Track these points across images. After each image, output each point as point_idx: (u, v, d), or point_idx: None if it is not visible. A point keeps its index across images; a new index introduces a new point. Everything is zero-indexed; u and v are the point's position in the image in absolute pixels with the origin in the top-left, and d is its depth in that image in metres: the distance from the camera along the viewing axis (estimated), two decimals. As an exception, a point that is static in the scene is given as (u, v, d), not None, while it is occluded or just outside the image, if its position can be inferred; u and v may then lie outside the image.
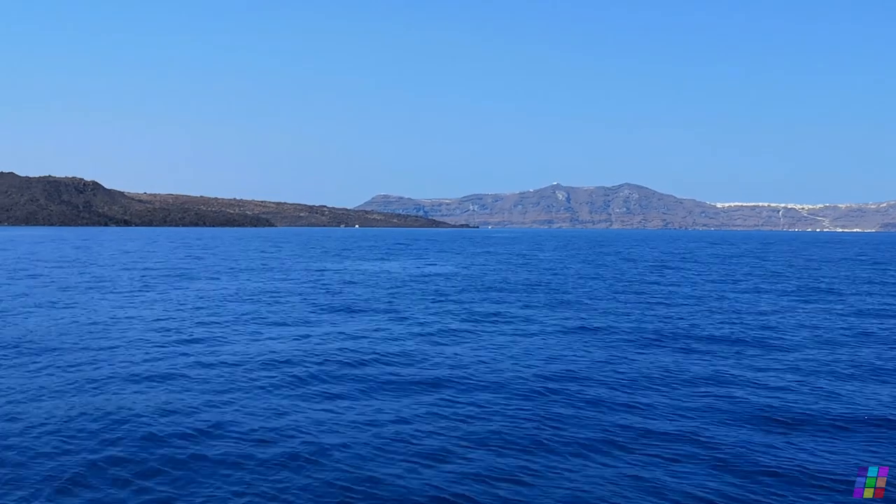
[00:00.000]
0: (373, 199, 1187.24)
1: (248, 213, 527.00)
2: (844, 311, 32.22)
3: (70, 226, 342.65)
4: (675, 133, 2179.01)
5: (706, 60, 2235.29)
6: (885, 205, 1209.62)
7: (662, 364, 19.54)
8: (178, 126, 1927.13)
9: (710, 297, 38.65)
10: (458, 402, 15.21)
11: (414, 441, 12.65)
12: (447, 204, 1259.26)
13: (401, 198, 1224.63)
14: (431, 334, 24.47)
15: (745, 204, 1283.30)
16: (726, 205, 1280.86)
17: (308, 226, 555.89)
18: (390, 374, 17.98)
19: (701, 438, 13.02)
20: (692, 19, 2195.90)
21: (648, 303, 35.04)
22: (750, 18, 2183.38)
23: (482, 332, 25.35)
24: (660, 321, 28.24)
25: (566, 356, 20.54)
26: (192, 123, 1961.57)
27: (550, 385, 16.81)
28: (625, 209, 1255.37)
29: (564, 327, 26.40)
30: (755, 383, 17.30)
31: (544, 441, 12.76)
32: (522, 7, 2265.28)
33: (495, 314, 30.09)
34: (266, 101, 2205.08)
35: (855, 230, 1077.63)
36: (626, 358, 20.23)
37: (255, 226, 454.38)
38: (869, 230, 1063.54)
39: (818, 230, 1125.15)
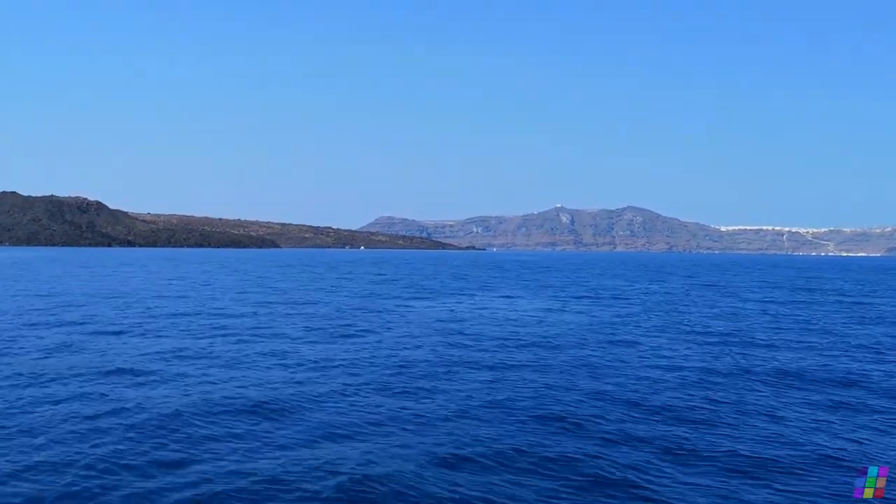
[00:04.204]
0: (376, 220, 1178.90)
1: (252, 234, 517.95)
2: None
3: (73, 246, 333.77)
4: (678, 155, 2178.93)
5: (707, 83, 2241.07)
6: (889, 229, 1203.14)
7: None
8: (181, 146, 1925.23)
9: None
10: None
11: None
12: (450, 226, 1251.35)
13: (404, 219, 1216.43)
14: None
15: (748, 227, 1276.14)
16: (730, 228, 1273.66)
17: (313, 247, 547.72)
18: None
19: None
20: (692, 42, 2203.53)
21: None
22: (751, 42, 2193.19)
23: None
24: None
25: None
26: (196, 144, 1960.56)
27: None
28: (629, 232, 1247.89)
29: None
30: None
31: None
32: (526, 28, 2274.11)
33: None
34: (270, 121, 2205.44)
35: (860, 254, 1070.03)
36: None
37: (261, 247, 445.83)
38: (874, 254, 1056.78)
39: (823, 254, 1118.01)
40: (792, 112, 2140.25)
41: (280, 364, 23.68)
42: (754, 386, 21.25)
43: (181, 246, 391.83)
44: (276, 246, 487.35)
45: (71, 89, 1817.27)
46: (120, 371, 21.39)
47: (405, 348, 27.85)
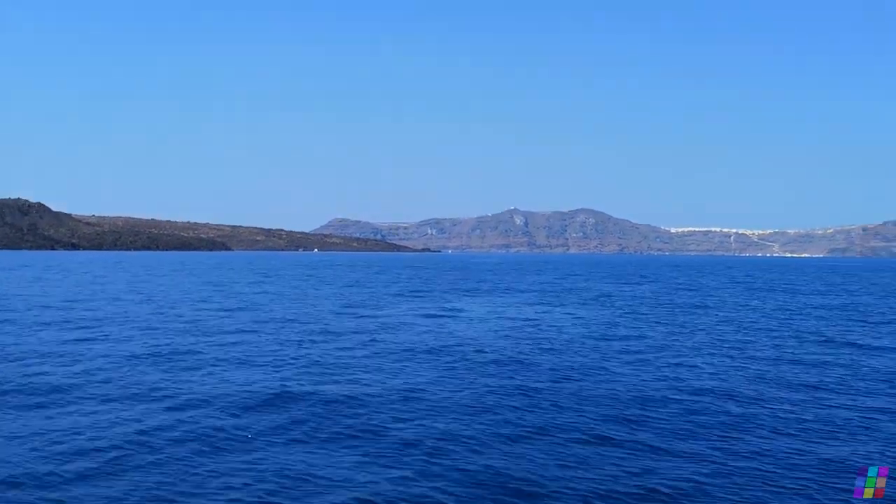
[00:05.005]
0: (329, 222, 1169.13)
1: (202, 236, 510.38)
2: None
3: (14, 249, 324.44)
4: (630, 158, 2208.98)
5: (657, 85, 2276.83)
6: (831, 230, 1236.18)
7: None
8: (126, 146, 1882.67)
9: None
10: None
11: None
12: (405, 228, 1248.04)
13: (358, 221, 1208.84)
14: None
15: (697, 229, 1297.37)
16: (680, 230, 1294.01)
17: (265, 249, 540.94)
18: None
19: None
20: (644, 41, 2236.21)
21: None
22: (699, 42, 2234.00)
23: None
24: None
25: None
26: (142, 144, 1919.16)
27: None
28: (581, 234, 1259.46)
29: None
30: None
31: None
32: (476, 30, 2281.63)
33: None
34: (218, 121, 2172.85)
35: (804, 255, 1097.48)
36: None
37: (211, 249, 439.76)
38: (817, 255, 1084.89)
39: (768, 255, 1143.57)
40: (738, 115, 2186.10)
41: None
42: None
43: (127, 249, 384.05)
44: (227, 248, 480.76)
45: (7, 88, 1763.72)
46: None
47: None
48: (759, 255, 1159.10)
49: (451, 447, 14.49)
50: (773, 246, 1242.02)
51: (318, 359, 25.45)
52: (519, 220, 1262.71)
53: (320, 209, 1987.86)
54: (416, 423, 16.36)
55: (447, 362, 25.07)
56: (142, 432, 15.04)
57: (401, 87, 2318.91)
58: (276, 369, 23.06)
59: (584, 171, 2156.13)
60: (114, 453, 13.63)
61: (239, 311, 43.96)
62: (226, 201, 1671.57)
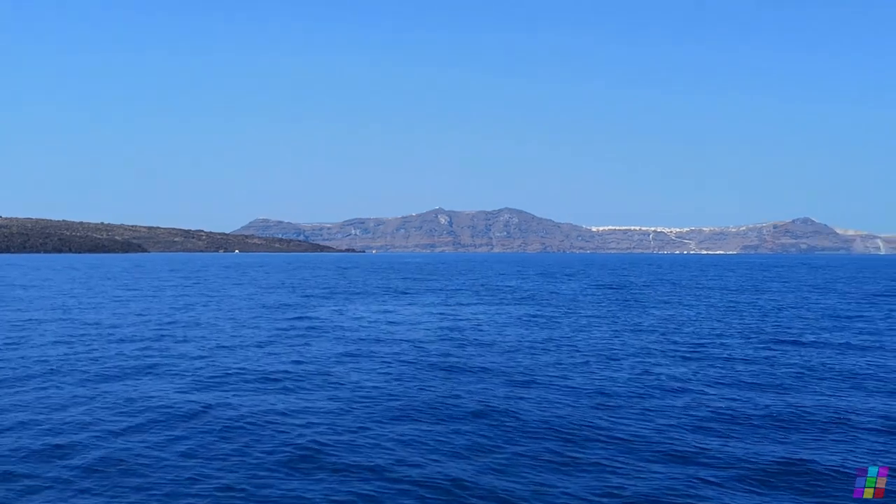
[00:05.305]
0: (251, 223, 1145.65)
1: (117, 238, 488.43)
2: None
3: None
4: (552, 158, 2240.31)
5: (575, 85, 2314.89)
6: (744, 228, 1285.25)
7: None
8: (36, 144, 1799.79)
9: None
10: None
11: None
12: (328, 228, 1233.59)
13: (280, 222, 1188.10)
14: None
15: (618, 227, 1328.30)
16: (601, 228, 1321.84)
17: (184, 251, 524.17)
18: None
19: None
20: (562, 41, 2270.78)
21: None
22: (618, 41, 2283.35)
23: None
24: None
25: None
26: (52, 142, 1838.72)
27: None
28: (505, 233, 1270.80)
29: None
30: None
31: None
32: (404, 30, 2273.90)
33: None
34: (134, 120, 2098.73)
35: (718, 252, 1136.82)
36: None
37: (127, 252, 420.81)
38: (730, 252, 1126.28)
39: (685, 252, 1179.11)
40: (656, 116, 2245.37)
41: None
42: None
43: (37, 251, 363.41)
44: (144, 250, 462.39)
45: None
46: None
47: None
48: (677, 252, 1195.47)
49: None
50: (690, 243, 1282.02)
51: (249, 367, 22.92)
52: (444, 220, 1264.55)
53: (241, 209, 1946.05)
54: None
55: (384, 364, 24.30)
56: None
57: (321, 86, 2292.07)
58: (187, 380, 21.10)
59: (508, 170, 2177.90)
60: None
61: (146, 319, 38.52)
62: (143, 202, 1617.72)
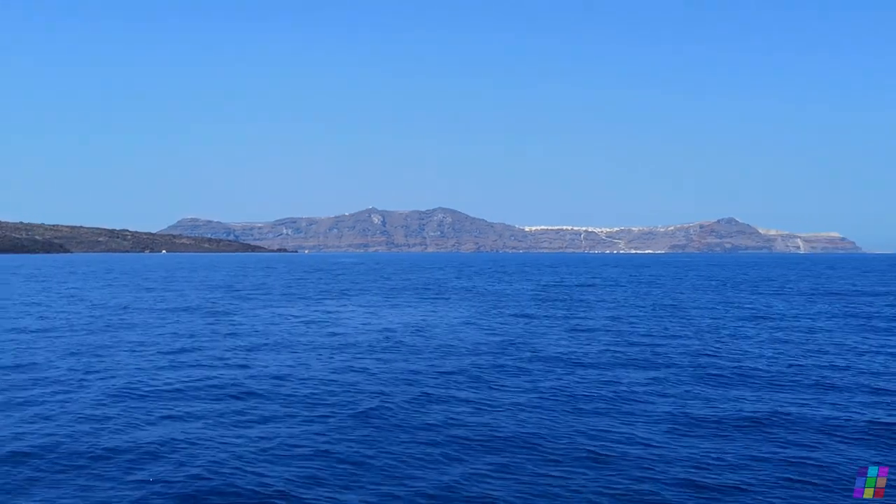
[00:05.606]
0: (179, 222, 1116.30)
1: (38, 237, 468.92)
2: None
3: None
4: (485, 158, 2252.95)
5: (505, 86, 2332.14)
6: (672, 228, 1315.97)
7: None
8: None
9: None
10: None
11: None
12: (259, 228, 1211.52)
13: (209, 221, 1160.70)
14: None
15: (550, 227, 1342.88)
16: (533, 228, 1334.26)
17: (108, 251, 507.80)
18: None
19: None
20: (494, 41, 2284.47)
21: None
22: (552, 40, 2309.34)
23: None
24: None
25: None
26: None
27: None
28: (439, 233, 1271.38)
29: None
30: None
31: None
32: (324, 26, 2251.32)
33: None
34: (54, 112, 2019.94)
35: (647, 252, 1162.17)
36: None
37: (48, 252, 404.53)
38: (659, 251, 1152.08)
39: (615, 252, 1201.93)
40: (586, 115, 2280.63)
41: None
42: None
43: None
44: (66, 251, 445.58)
45: None
46: None
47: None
48: (607, 251, 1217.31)
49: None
50: (620, 243, 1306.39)
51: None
52: (377, 220, 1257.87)
53: (169, 208, 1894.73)
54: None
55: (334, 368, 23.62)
56: None
57: (251, 83, 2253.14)
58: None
59: (441, 170, 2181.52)
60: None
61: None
62: (64, 200, 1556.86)
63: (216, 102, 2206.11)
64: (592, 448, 14.13)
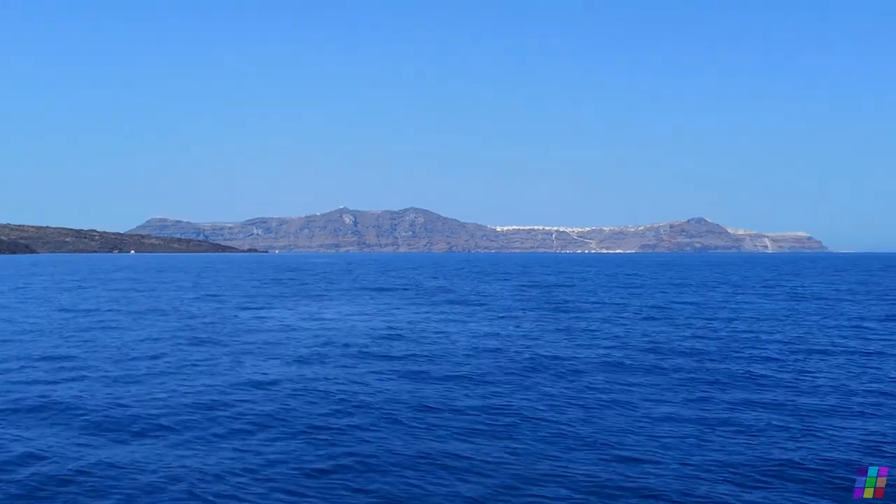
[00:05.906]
0: (147, 222, 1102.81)
1: (3, 238, 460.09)
2: None
3: None
4: (457, 158, 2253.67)
5: (476, 86, 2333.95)
6: (642, 228, 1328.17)
7: None
8: None
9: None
10: None
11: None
12: (229, 228, 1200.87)
13: (178, 221, 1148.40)
14: None
15: (522, 227, 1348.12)
16: (505, 228, 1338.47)
17: (75, 251, 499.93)
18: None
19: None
20: (462, 41, 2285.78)
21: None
22: (520, 40, 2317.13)
23: None
24: None
25: None
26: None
27: None
28: (411, 233, 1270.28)
29: None
30: None
31: None
32: (310, 24, 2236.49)
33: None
34: (21, 109, 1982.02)
35: (618, 251, 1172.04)
36: None
37: (14, 252, 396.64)
38: (629, 251, 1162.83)
39: (587, 251, 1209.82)
40: (554, 117, 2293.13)
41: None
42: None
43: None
44: (32, 251, 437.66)
45: None
46: None
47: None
48: (579, 251, 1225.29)
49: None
50: (591, 243, 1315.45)
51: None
52: (349, 220, 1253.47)
53: (137, 208, 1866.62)
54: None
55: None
56: None
57: (216, 81, 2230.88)
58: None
59: (413, 170, 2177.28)
60: None
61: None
62: (30, 200, 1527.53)
63: (184, 101, 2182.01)
64: (602, 450, 13.77)
